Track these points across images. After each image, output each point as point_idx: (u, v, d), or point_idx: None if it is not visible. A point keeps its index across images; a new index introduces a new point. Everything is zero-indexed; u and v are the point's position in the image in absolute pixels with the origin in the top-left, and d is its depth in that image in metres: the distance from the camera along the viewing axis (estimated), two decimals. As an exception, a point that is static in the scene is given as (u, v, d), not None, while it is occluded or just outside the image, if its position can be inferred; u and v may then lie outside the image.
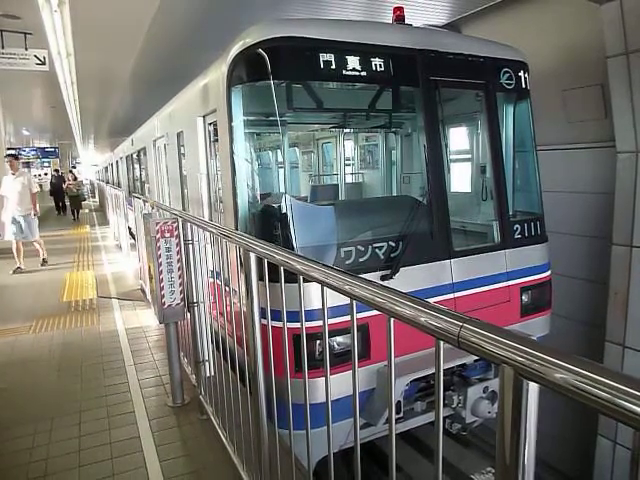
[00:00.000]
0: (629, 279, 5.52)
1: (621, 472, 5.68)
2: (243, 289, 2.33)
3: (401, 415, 3.77)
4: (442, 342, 1.12)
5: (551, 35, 6.34)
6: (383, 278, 3.70)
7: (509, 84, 4.55)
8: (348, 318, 1.55)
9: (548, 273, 4.72)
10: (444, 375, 1.21)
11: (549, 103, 6.32)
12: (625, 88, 5.27)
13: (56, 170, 24.98)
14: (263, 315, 2.24)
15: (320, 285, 1.63)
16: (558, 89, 6.34)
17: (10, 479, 2.95)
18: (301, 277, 1.78)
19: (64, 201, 22.84)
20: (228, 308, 2.94)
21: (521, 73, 4.63)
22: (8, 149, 16.33)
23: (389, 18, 4.53)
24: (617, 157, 5.60)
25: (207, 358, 3.54)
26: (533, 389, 0.88)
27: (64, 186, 21.88)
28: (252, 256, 2.22)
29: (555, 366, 0.82)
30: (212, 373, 3.39)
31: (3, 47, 7.43)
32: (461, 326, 1.02)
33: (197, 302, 3.47)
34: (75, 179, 22.23)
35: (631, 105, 5.28)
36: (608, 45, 5.31)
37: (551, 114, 6.40)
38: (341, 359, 3.24)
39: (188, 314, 3.61)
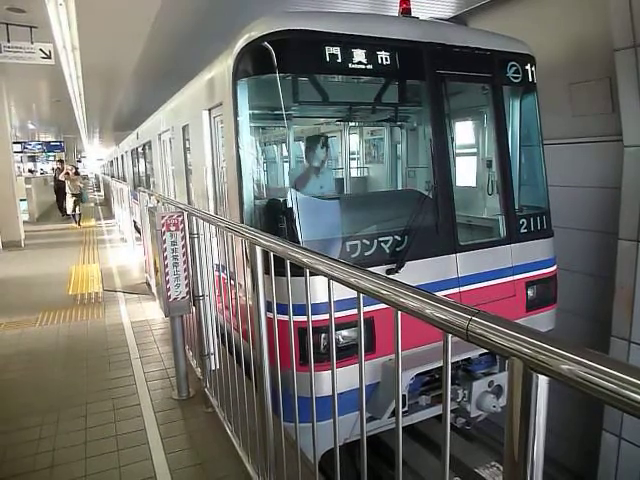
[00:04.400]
0: (635, 274, 5.49)
1: (626, 467, 5.67)
2: (249, 283, 2.33)
3: (406, 409, 3.77)
4: (450, 335, 1.11)
5: (558, 28, 6.28)
6: (389, 272, 3.69)
7: (516, 77, 4.51)
8: (353, 312, 1.54)
9: (554, 268, 4.71)
10: None
11: (555, 97, 6.26)
12: (633, 82, 5.22)
13: (60, 161, 19.75)
14: (269, 308, 2.23)
15: (326, 278, 1.63)
16: (564, 83, 6.28)
17: (18, 470, 2.98)
18: (307, 270, 1.77)
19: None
20: (234, 301, 2.94)
21: (528, 66, 4.60)
22: (14, 143, 16.31)
23: (395, 11, 4.50)
24: (624, 151, 5.56)
25: (212, 351, 3.54)
26: (543, 382, 0.86)
27: (61, 177, 16.61)
28: (258, 249, 2.21)
29: (567, 359, 0.80)
30: (217, 366, 3.39)
31: (9, 41, 7.42)
32: (470, 319, 1.01)
33: (202, 295, 3.47)
34: (77, 173, 17.43)
35: (639, 99, 5.23)
36: (616, 38, 5.25)
37: (557, 108, 6.34)
38: (346, 353, 3.25)
39: (193, 307, 3.62)
